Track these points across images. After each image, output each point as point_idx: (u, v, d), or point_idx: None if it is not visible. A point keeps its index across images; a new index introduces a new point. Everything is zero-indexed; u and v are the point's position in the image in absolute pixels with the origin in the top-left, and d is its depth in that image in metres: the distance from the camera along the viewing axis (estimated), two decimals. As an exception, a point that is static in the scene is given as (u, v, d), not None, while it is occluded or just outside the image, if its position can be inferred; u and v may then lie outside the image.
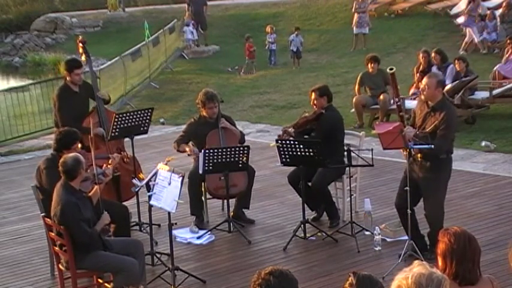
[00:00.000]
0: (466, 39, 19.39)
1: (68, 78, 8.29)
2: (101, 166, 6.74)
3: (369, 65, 12.69)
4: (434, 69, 12.78)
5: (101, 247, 6.13)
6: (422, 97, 6.81)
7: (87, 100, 8.48)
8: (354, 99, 12.92)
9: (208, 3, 24.03)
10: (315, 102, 8.02)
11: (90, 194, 6.36)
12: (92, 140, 6.99)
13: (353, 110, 12.93)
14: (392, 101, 7.01)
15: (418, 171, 6.77)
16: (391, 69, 6.82)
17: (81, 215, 5.95)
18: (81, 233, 5.93)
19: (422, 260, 3.26)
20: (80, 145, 6.85)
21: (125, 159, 7.96)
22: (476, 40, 18.96)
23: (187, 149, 8.15)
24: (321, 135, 7.85)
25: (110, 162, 6.85)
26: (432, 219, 6.89)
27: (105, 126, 8.14)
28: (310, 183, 8.19)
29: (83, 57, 8.75)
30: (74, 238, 5.97)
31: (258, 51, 21.01)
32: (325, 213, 8.20)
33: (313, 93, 8.04)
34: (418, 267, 3.10)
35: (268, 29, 21.43)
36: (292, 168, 8.07)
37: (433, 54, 12.92)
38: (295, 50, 20.66)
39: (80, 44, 8.72)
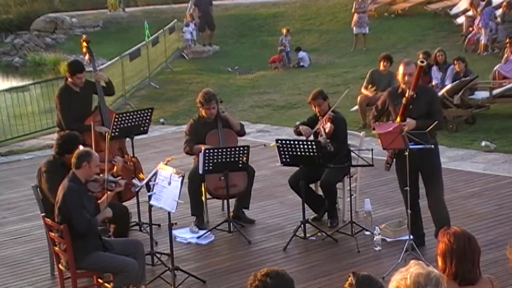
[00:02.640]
0: (470, 36, 19.26)
1: (69, 80, 8.28)
2: (103, 170, 6.71)
3: (382, 63, 12.54)
4: (434, 69, 12.81)
5: (101, 247, 6.14)
6: (404, 85, 6.89)
7: (89, 99, 8.45)
8: (358, 98, 12.87)
9: (209, 3, 24.02)
10: (321, 107, 7.98)
11: (99, 201, 6.38)
12: (95, 140, 6.98)
13: (353, 108, 12.92)
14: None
15: (422, 158, 6.74)
16: (421, 61, 6.87)
17: (82, 202, 5.98)
18: (81, 219, 5.93)
19: (422, 260, 3.26)
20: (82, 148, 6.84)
21: (129, 163, 7.94)
22: (483, 41, 18.83)
23: (203, 148, 7.99)
24: (342, 137, 7.90)
25: (114, 167, 6.83)
26: (441, 212, 6.93)
27: (107, 126, 8.13)
28: (311, 185, 8.21)
29: (87, 57, 8.73)
30: (74, 225, 5.95)
31: (256, 51, 20.85)
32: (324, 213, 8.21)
33: (315, 101, 7.97)
34: (415, 267, 3.08)
35: (284, 30, 21.11)
36: (292, 172, 8.05)
37: (438, 53, 12.92)
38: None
39: (84, 44, 8.70)
